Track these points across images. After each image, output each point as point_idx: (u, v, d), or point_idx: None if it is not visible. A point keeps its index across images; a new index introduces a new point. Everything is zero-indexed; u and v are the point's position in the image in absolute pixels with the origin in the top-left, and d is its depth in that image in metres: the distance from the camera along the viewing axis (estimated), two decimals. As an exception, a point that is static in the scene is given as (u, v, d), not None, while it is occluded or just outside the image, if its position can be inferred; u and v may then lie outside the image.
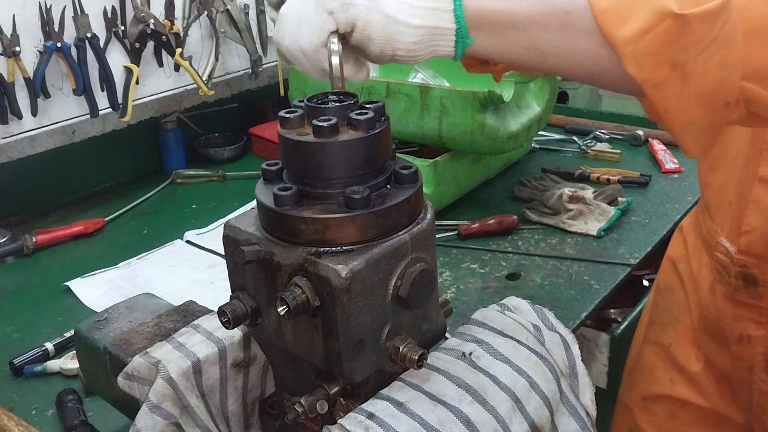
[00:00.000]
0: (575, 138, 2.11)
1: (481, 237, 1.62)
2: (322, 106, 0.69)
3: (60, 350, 1.34)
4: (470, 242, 1.61)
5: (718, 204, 1.08)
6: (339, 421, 0.68)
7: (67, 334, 1.36)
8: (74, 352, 1.28)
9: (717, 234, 1.08)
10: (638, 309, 1.54)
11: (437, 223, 1.63)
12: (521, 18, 0.68)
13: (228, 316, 0.73)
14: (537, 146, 2.08)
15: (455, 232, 1.63)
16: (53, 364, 1.29)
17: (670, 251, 1.29)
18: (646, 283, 1.78)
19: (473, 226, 1.62)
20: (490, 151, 1.71)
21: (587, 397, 0.80)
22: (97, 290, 1.53)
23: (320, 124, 0.66)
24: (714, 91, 0.65)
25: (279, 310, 0.65)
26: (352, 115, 0.68)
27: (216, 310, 0.91)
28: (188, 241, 1.72)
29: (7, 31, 1.63)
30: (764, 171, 0.96)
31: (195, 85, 1.95)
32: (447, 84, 1.96)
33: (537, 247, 1.58)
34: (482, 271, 1.51)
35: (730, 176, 1.04)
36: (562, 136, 2.15)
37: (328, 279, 0.65)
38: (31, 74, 1.68)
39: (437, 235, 1.60)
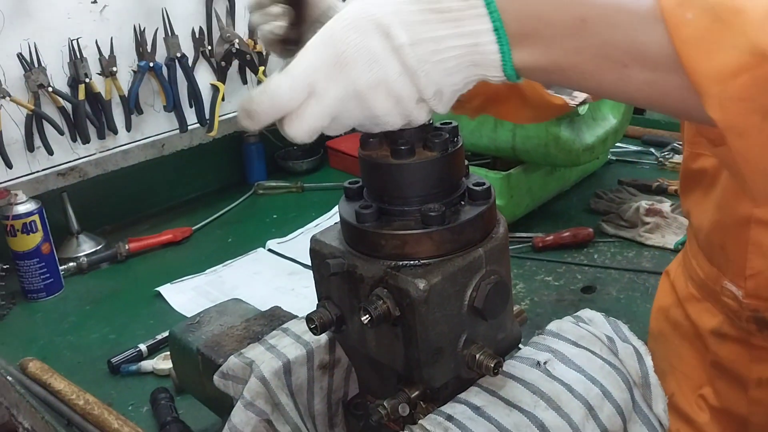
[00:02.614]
0: (653, 150, 2.09)
1: (555, 249, 1.62)
2: (400, 129, 0.73)
3: (152, 351, 1.43)
4: (544, 254, 1.62)
5: (710, 248, 1.04)
6: (420, 422, 0.71)
7: (159, 337, 1.45)
8: (166, 353, 1.37)
9: (720, 278, 1.03)
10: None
11: (511, 235, 1.66)
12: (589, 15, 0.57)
13: (315, 323, 0.77)
14: (613, 158, 2.07)
15: (529, 244, 1.65)
16: (147, 364, 1.38)
17: (659, 298, 1.23)
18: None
19: (548, 238, 1.63)
20: (565, 164, 1.72)
21: (660, 407, 0.80)
22: (185, 295, 1.62)
23: (398, 146, 0.70)
24: None
25: (362, 319, 0.69)
26: (428, 136, 0.71)
27: (299, 315, 0.98)
28: (270, 250, 1.80)
29: (105, 52, 1.75)
30: (761, 213, 0.93)
31: (277, 101, 2.02)
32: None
33: (613, 260, 1.58)
34: (557, 283, 1.52)
35: (716, 220, 1.01)
36: (639, 148, 2.12)
37: (408, 291, 0.69)
38: (126, 92, 1.80)
39: (511, 247, 1.62)
